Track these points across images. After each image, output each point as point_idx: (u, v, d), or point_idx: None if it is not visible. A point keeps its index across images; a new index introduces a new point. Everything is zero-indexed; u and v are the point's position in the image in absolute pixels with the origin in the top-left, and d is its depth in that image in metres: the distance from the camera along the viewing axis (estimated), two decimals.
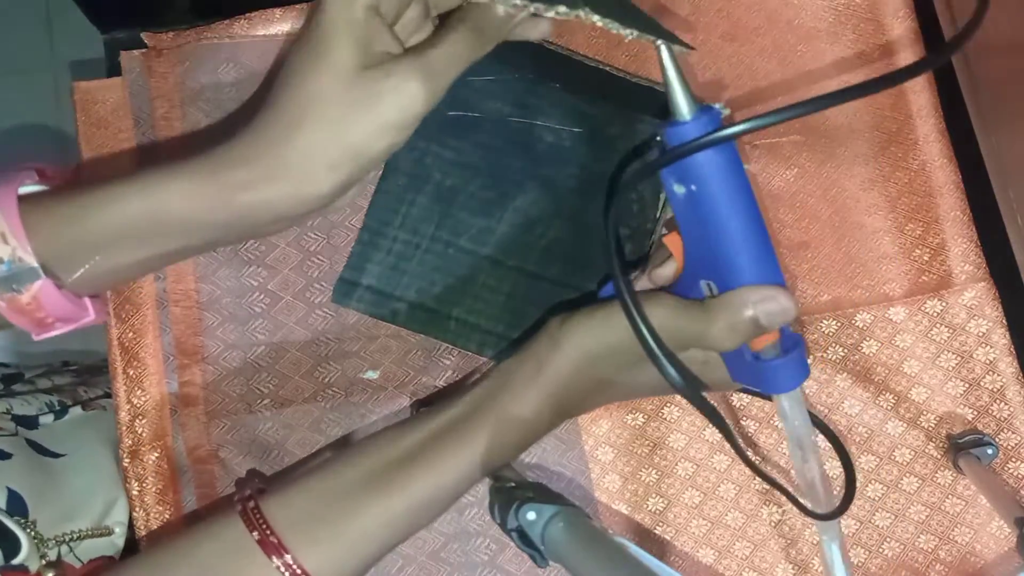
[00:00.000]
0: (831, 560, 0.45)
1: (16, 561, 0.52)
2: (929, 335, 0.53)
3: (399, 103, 0.40)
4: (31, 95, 1.39)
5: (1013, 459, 0.53)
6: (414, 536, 0.45)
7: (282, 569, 0.40)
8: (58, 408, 0.66)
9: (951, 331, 0.53)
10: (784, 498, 0.51)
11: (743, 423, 0.53)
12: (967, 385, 0.53)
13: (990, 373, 0.53)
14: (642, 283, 0.45)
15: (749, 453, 0.53)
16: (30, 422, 0.63)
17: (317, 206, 0.41)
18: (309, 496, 0.42)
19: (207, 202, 0.40)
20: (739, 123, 0.34)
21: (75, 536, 0.57)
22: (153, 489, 0.52)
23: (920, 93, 0.54)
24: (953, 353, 0.53)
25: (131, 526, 0.57)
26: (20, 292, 0.40)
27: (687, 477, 0.53)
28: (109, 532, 0.60)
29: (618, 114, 0.52)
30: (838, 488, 0.49)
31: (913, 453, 0.53)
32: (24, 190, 0.42)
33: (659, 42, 0.38)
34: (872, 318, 0.53)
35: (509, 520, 0.44)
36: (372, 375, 0.53)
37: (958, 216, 0.54)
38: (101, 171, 0.54)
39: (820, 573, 0.53)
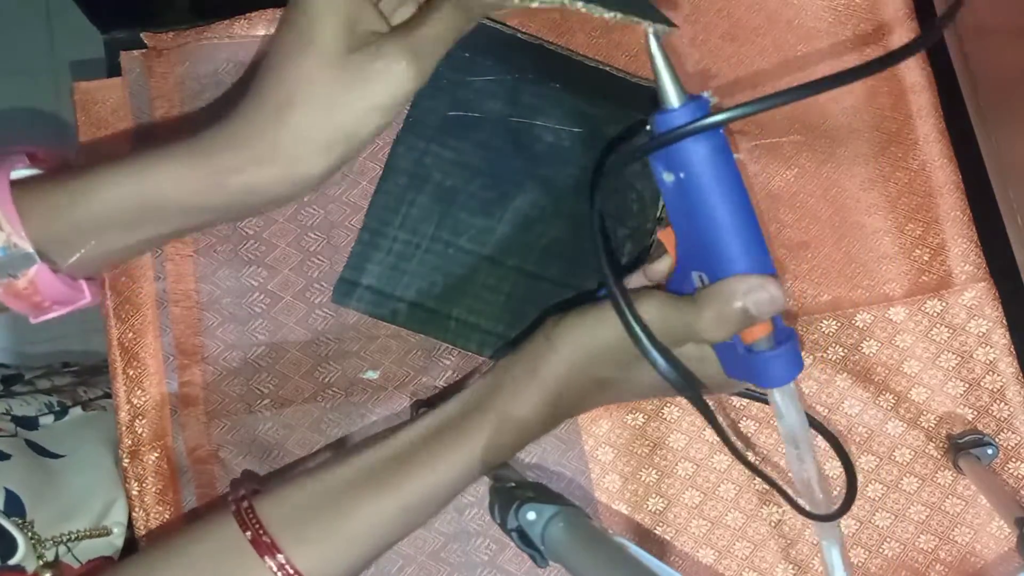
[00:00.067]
0: (831, 564, 0.45)
1: (13, 561, 0.52)
2: (929, 335, 0.53)
3: (388, 85, 0.40)
4: (31, 95, 1.39)
5: (1013, 459, 0.53)
6: (414, 536, 0.45)
7: (274, 569, 0.40)
8: (58, 409, 0.66)
9: (951, 331, 0.53)
10: (785, 498, 0.51)
11: (743, 423, 0.53)
12: (967, 385, 0.53)
13: (990, 373, 0.53)
14: (637, 280, 0.45)
15: (750, 455, 0.53)
16: (30, 423, 0.63)
17: (308, 187, 0.41)
18: (302, 496, 0.42)
19: (199, 186, 0.40)
20: (727, 110, 0.34)
21: (73, 536, 0.57)
22: (153, 489, 0.52)
23: (920, 93, 0.54)
24: (953, 353, 0.53)
25: (130, 526, 0.57)
26: (16, 277, 0.40)
27: (687, 477, 0.53)
28: (107, 532, 0.60)
29: (618, 114, 0.52)
30: (837, 489, 0.49)
31: (913, 453, 0.53)
32: (16, 175, 0.41)
33: (648, 29, 0.38)
34: (872, 318, 0.53)
35: (509, 520, 0.44)
36: (372, 375, 0.53)
37: (958, 216, 0.54)
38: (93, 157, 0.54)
39: (820, 573, 0.53)
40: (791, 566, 0.53)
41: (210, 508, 0.52)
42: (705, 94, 0.38)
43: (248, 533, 0.40)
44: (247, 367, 0.53)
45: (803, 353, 0.52)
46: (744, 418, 0.53)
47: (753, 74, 0.55)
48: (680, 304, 0.40)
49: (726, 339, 0.40)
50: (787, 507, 0.52)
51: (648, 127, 0.39)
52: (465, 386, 0.45)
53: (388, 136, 0.53)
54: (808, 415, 0.45)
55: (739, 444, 0.53)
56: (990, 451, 0.51)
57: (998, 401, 0.53)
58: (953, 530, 0.53)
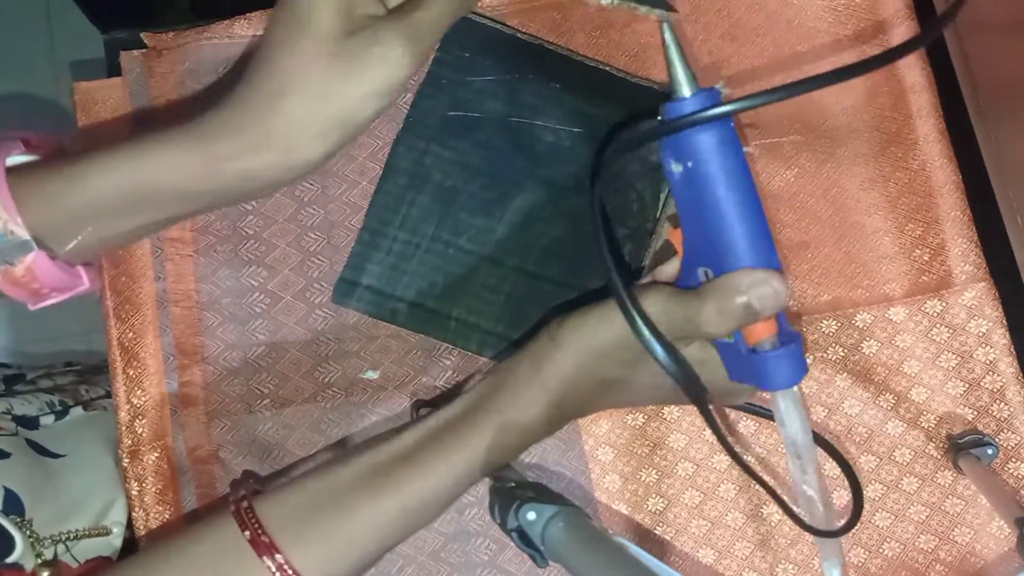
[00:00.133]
0: None
1: (11, 559, 0.52)
2: (929, 335, 0.53)
3: (385, 70, 0.40)
4: (31, 95, 1.39)
5: (1013, 459, 0.53)
6: (414, 536, 0.45)
7: (273, 569, 0.39)
8: (59, 408, 0.66)
9: (951, 331, 0.53)
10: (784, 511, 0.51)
11: (743, 423, 0.53)
12: (967, 385, 0.53)
13: (990, 373, 0.53)
14: (646, 282, 0.45)
15: (749, 459, 0.53)
16: (30, 422, 0.63)
17: (306, 172, 0.41)
18: (302, 496, 0.42)
19: (195, 172, 0.40)
20: (737, 100, 0.34)
21: (72, 536, 0.57)
22: (153, 489, 0.52)
23: (920, 93, 0.54)
24: (953, 353, 0.53)
25: (130, 526, 0.57)
26: (13, 265, 0.40)
27: (687, 477, 0.53)
28: (107, 532, 0.60)
29: (618, 114, 0.52)
30: (842, 503, 0.49)
31: (913, 453, 0.53)
32: (11, 161, 0.41)
33: (661, 19, 0.38)
34: (872, 318, 0.53)
35: (509, 520, 0.44)
36: (372, 375, 0.53)
37: (958, 216, 0.54)
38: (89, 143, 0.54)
39: (820, 573, 0.52)
40: (791, 566, 0.53)
41: (210, 508, 0.52)
42: (717, 85, 0.38)
43: (247, 533, 0.40)
44: (247, 367, 0.53)
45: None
46: (743, 418, 0.53)
47: (753, 74, 0.55)
48: (683, 297, 0.40)
49: (728, 335, 0.39)
50: None
51: (659, 116, 0.38)
52: (467, 387, 0.45)
53: (388, 136, 0.53)
54: (816, 433, 0.44)
55: (741, 450, 0.53)
56: (990, 451, 0.51)
57: (998, 401, 0.53)
58: (953, 530, 0.53)
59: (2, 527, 0.52)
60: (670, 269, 0.44)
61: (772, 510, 0.53)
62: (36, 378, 0.74)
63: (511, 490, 0.45)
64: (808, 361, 0.53)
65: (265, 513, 0.41)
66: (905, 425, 0.53)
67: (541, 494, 0.45)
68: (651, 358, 0.39)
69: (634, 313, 0.39)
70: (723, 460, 0.53)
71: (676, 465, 0.53)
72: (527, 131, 0.53)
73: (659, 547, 0.53)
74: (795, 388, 0.40)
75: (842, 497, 0.53)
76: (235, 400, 0.53)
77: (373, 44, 0.39)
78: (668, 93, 0.38)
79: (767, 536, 0.53)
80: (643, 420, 0.53)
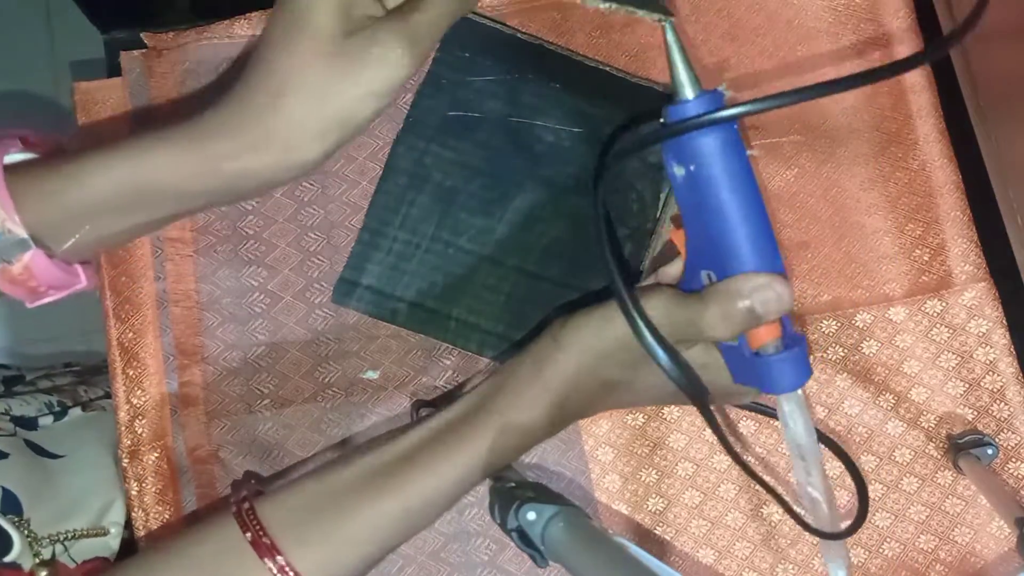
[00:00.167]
0: None
1: (8, 559, 0.52)
2: (929, 335, 0.53)
3: (385, 71, 0.39)
4: (31, 95, 1.39)
5: (1013, 459, 0.53)
6: (414, 536, 0.44)
7: (275, 571, 0.39)
8: (58, 409, 0.66)
9: (951, 331, 0.53)
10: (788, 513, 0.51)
11: (743, 423, 0.53)
12: (967, 385, 0.53)
13: (990, 373, 0.53)
14: (648, 283, 0.45)
15: (748, 458, 0.53)
16: (29, 423, 0.63)
17: (303, 172, 0.41)
18: (304, 497, 0.42)
19: (193, 171, 0.40)
20: (743, 104, 0.34)
21: (70, 535, 0.57)
22: (152, 489, 0.52)
23: (920, 93, 0.54)
24: (953, 353, 0.53)
25: (128, 527, 0.57)
26: (11, 263, 0.40)
27: (687, 477, 0.53)
28: (105, 532, 0.60)
29: (618, 114, 0.52)
30: (842, 502, 0.49)
31: (913, 453, 0.53)
32: (9, 159, 0.41)
33: (663, 21, 0.37)
34: (872, 318, 0.53)
35: (509, 520, 0.44)
36: (372, 375, 0.53)
37: (958, 216, 0.54)
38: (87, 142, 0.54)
39: (820, 573, 0.53)
40: (791, 566, 0.53)
41: (211, 509, 0.52)
42: (720, 87, 0.38)
43: (248, 535, 0.40)
44: (247, 367, 0.53)
45: None
46: (744, 418, 0.53)
47: (753, 74, 0.55)
48: (686, 301, 0.39)
49: (731, 339, 0.39)
50: None
51: (662, 119, 0.38)
52: (468, 388, 0.45)
53: (388, 136, 0.53)
54: (819, 431, 0.44)
55: (742, 451, 0.53)
56: (990, 451, 0.51)
57: (998, 401, 0.53)
58: (953, 530, 0.53)
59: (0, 527, 0.52)
60: (672, 270, 0.44)
61: (772, 510, 0.53)
62: (35, 379, 0.74)
63: (511, 490, 0.45)
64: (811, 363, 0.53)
65: (266, 514, 0.41)
66: (905, 425, 0.53)
67: (541, 494, 0.45)
68: (651, 361, 0.39)
69: (636, 317, 0.39)
70: (723, 460, 0.53)
71: (676, 465, 0.53)
72: (527, 131, 0.53)
73: (659, 547, 0.53)
74: (799, 391, 0.40)
75: (842, 497, 0.53)
76: (235, 400, 0.52)
77: (372, 45, 0.39)
78: (670, 95, 0.38)
79: (767, 536, 0.53)
80: (643, 420, 0.53)
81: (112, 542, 0.60)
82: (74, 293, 0.44)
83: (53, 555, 0.56)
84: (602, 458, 0.53)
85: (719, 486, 0.53)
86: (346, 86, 0.39)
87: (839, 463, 0.51)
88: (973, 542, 0.53)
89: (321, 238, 0.54)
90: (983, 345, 0.53)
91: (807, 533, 0.52)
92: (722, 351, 0.41)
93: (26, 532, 0.54)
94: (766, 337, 0.39)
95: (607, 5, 0.38)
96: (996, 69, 0.56)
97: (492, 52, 0.53)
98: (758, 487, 0.53)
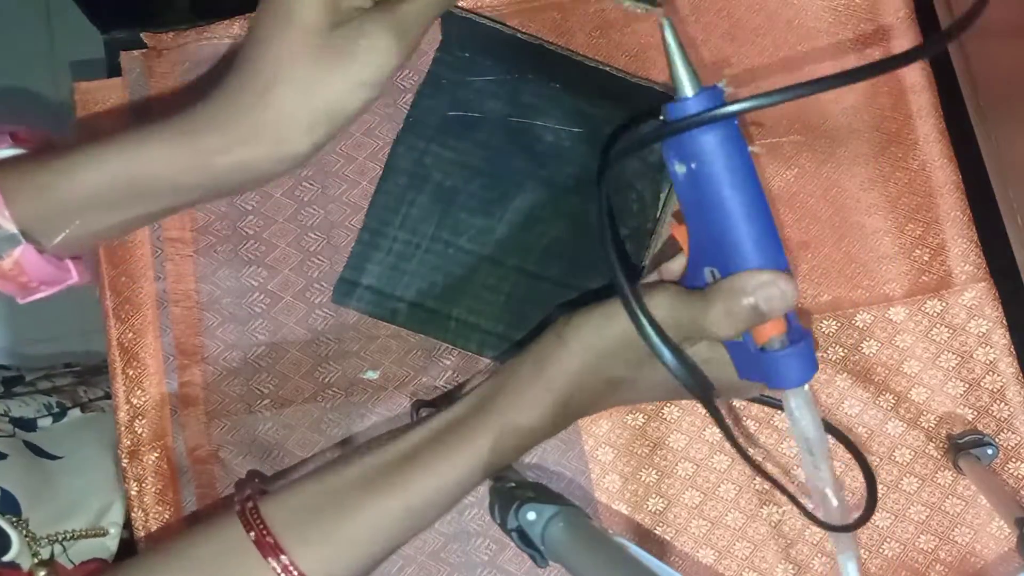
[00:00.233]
0: None
1: (6, 559, 0.52)
2: (929, 335, 0.53)
3: (373, 62, 0.39)
4: (31, 95, 1.39)
5: (1013, 459, 0.53)
6: (416, 536, 0.44)
7: (278, 570, 0.39)
8: (57, 410, 0.66)
9: (951, 331, 0.53)
10: (784, 498, 0.51)
11: (742, 423, 0.53)
12: (967, 385, 0.53)
13: (990, 373, 0.53)
14: (652, 280, 0.45)
15: (752, 453, 0.53)
16: (28, 424, 0.63)
17: (295, 164, 0.41)
18: (306, 497, 0.42)
19: (184, 165, 0.40)
20: (742, 100, 0.34)
21: (69, 536, 0.57)
22: (152, 489, 0.52)
23: (920, 93, 0.54)
24: (953, 353, 0.53)
25: (127, 528, 0.57)
26: (1, 258, 0.40)
27: (687, 477, 0.53)
28: (104, 533, 0.60)
29: (618, 114, 0.52)
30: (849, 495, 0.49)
31: (913, 453, 0.53)
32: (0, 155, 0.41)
33: (661, 19, 0.37)
34: (872, 318, 0.53)
35: (509, 520, 0.44)
36: (372, 375, 0.53)
37: (958, 216, 0.54)
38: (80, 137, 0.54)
39: (820, 573, 0.53)
40: (791, 566, 0.53)
41: (213, 508, 0.52)
42: (719, 84, 0.38)
43: (252, 534, 0.40)
44: (247, 367, 0.53)
45: None
46: (744, 417, 0.53)
47: (753, 75, 0.55)
48: (690, 298, 0.39)
49: (736, 336, 0.39)
50: (788, 507, 0.52)
51: (661, 116, 0.38)
52: (469, 387, 0.45)
53: (388, 136, 0.53)
54: (826, 422, 0.43)
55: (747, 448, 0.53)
56: (990, 451, 0.51)
57: (998, 401, 0.53)
58: (953, 530, 0.53)
59: None
60: (674, 266, 0.44)
61: (772, 510, 0.53)
62: (35, 380, 0.74)
63: (511, 490, 0.45)
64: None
65: (270, 514, 0.41)
66: (905, 425, 0.53)
67: (541, 494, 0.45)
68: (655, 358, 0.39)
69: (639, 314, 0.38)
70: (723, 460, 0.53)
71: (676, 465, 0.53)
72: (527, 131, 0.53)
73: (659, 547, 0.53)
74: (806, 386, 0.40)
75: (848, 488, 0.53)
76: (235, 400, 0.52)
77: (359, 36, 0.39)
78: (672, 92, 0.38)
79: (767, 536, 0.53)
80: (643, 420, 0.53)
81: (110, 543, 0.61)
82: (66, 289, 0.44)
83: (52, 555, 0.56)
84: (602, 458, 0.53)
85: (719, 486, 0.53)
86: (334, 78, 0.39)
87: (846, 455, 0.51)
88: (973, 542, 0.53)
89: (321, 238, 0.54)
90: (983, 345, 0.53)
91: (806, 533, 0.52)
92: (727, 347, 0.41)
93: (24, 532, 0.54)
94: (771, 333, 0.39)
95: None
96: (996, 69, 0.56)
97: (492, 52, 0.53)
98: (759, 487, 0.53)
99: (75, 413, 0.67)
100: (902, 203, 0.54)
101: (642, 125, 0.51)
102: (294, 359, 0.53)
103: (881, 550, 0.53)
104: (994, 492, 0.50)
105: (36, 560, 0.54)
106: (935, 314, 0.53)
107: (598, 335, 0.41)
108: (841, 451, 0.52)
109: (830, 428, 0.51)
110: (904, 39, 0.54)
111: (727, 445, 0.53)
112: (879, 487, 0.53)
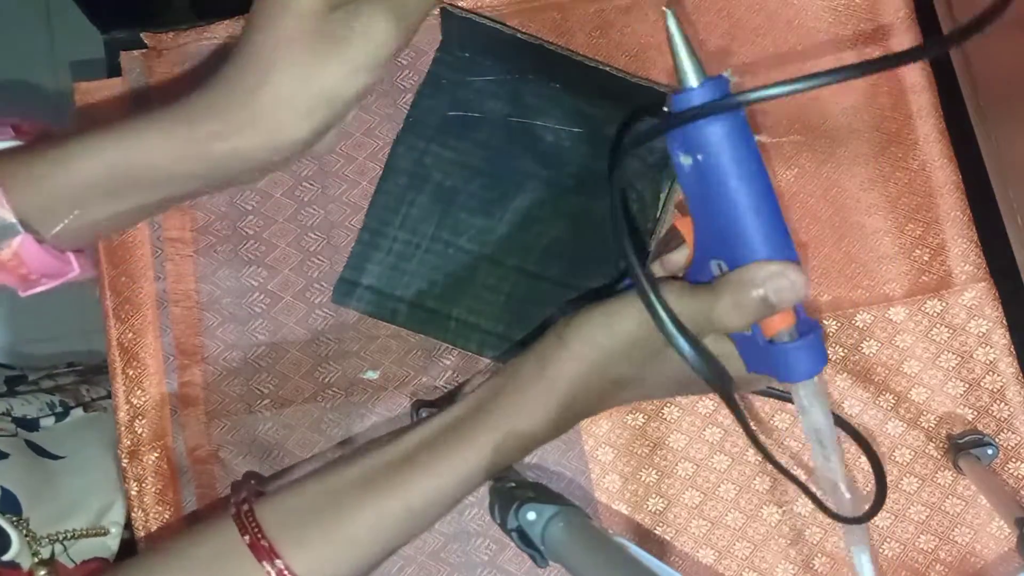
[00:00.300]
0: (861, 572, 0.43)
1: (6, 558, 0.52)
2: (929, 335, 0.53)
3: (369, 45, 0.39)
4: (31, 95, 1.39)
5: (1013, 459, 0.53)
6: (415, 538, 0.44)
7: (273, 574, 0.39)
8: (59, 410, 0.66)
9: (951, 331, 0.53)
10: (784, 498, 0.51)
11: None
12: (967, 385, 0.53)
13: (990, 373, 0.53)
14: (654, 272, 0.44)
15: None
16: (30, 424, 0.63)
17: (295, 152, 0.41)
18: (303, 499, 0.42)
19: (182, 153, 0.40)
20: (750, 90, 0.33)
21: (69, 535, 0.57)
22: (152, 489, 0.52)
23: (920, 93, 0.54)
24: (953, 353, 0.53)
25: (127, 528, 0.57)
26: (0, 248, 0.40)
27: (687, 477, 0.53)
28: (104, 532, 0.60)
29: (618, 114, 0.52)
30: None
31: (913, 453, 0.53)
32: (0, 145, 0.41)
33: (664, 8, 0.37)
34: (872, 318, 0.53)
35: (509, 520, 0.44)
36: (372, 375, 0.53)
37: (958, 216, 0.54)
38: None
39: (820, 573, 0.53)
40: (791, 566, 0.53)
41: (211, 510, 0.52)
42: (725, 73, 0.37)
43: (247, 537, 0.40)
44: (247, 367, 0.53)
45: None
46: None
47: (753, 75, 0.55)
48: (698, 292, 0.39)
49: (745, 328, 0.39)
50: (787, 507, 0.53)
51: (665, 108, 0.37)
52: (470, 387, 0.44)
53: (388, 136, 0.53)
54: (834, 414, 0.43)
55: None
56: (990, 451, 0.51)
57: (998, 401, 0.53)
58: (953, 530, 0.53)
59: None
60: (678, 258, 0.43)
61: (772, 510, 0.53)
62: (38, 379, 0.74)
63: (511, 490, 0.45)
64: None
65: (266, 516, 0.41)
66: (905, 425, 0.53)
67: (541, 494, 0.45)
68: (665, 354, 0.39)
69: (658, 306, 0.38)
70: (723, 460, 0.53)
71: (676, 465, 0.53)
72: (527, 131, 0.53)
73: (659, 547, 0.53)
74: (815, 378, 0.39)
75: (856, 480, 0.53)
76: (235, 400, 0.53)
77: (355, 20, 0.39)
78: (678, 82, 0.37)
79: (767, 536, 0.53)
80: (643, 420, 0.53)
81: (111, 542, 0.60)
82: (67, 283, 0.44)
83: (52, 555, 0.56)
84: (602, 458, 0.53)
85: (719, 486, 0.53)
86: (331, 63, 0.39)
87: (860, 446, 0.51)
88: (973, 542, 0.53)
89: (321, 238, 0.54)
90: (983, 345, 0.53)
91: (807, 533, 0.52)
92: (735, 340, 0.41)
93: (24, 531, 0.54)
94: (780, 325, 0.38)
95: None
96: (996, 69, 0.56)
97: (492, 52, 0.53)
98: (759, 487, 0.53)
99: (77, 412, 0.67)
100: (902, 203, 0.54)
101: (645, 119, 0.51)
102: (294, 359, 0.53)
103: (881, 550, 0.53)
104: (994, 492, 0.50)
105: (36, 559, 0.54)
106: (935, 314, 0.53)
107: (604, 335, 0.41)
108: (847, 444, 0.52)
109: (836, 419, 0.50)
110: (904, 39, 0.54)
111: (727, 445, 0.53)
112: None
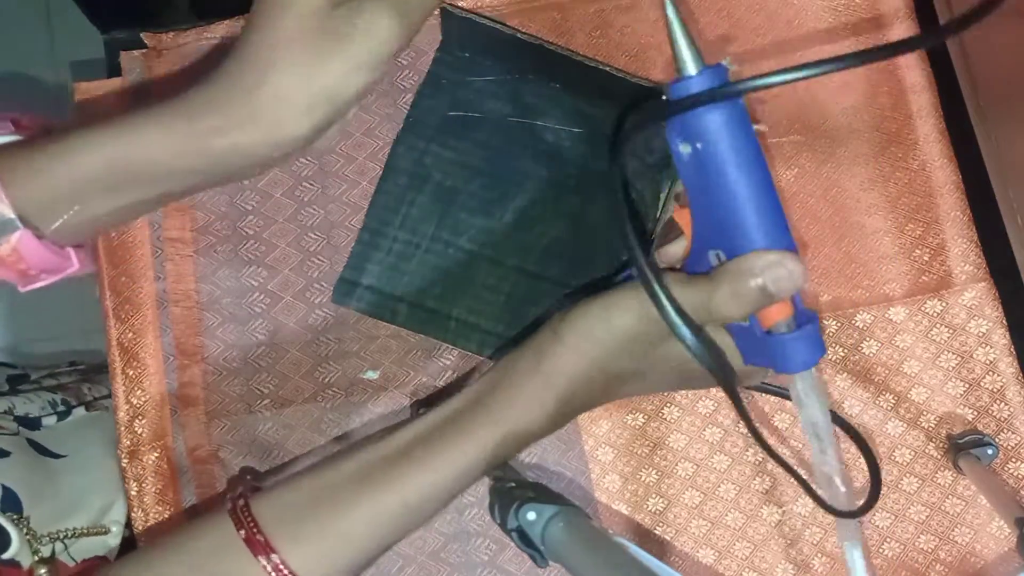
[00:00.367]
0: (852, 567, 0.43)
1: (7, 556, 0.52)
2: (929, 335, 0.53)
3: (372, 42, 0.39)
4: (31, 95, 1.39)
5: (1013, 459, 0.53)
6: (413, 536, 0.44)
7: (268, 569, 0.39)
8: (61, 408, 0.66)
9: (951, 331, 0.53)
10: (784, 498, 0.51)
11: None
12: (967, 385, 0.53)
13: (990, 373, 0.53)
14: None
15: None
16: (32, 423, 0.63)
17: (294, 149, 0.40)
18: (299, 494, 0.42)
19: (182, 148, 0.40)
20: (747, 79, 0.33)
21: (70, 534, 0.57)
22: (152, 489, 0.52)
23: (920, 93, 0.54)
24: (953, 353, 0.53)
25: (128, 526, 0.57)
26: None
27: (687, 477, 0.53)
28: (105, 531, 0.60)
29: (618, 114, 0.52)
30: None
31: (913, 453, 0.53)
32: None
33: None
34: (872, 318, 0.53)
35: (509, 520, 0.44)
36: (372, 375, 0.53)
37: (958, 216, 0.54)
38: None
39: (820, 573, 0.53)
40: (791, 566, 0.53)
41: (209, 506, 0.52)
42: (724, 61, 0.37)
43: (242, 532, 0.40)
44: (247, 367, 0.53)
45: None
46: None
47: (752, 65, 0.55)
48: (695, 281, 0.39)
49: (743, 318, 0.39)
50: (787, 507, 0.53)
51: (664, 97, 0.37)
52: (467, 384, 0.44)
53: (388, 136, 0.53)
54: (831, 411, 0.43)
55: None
56: (990, 451, 0.51)
57: (998, 401, 0.53)
58: (953, 530, 0.53)
59: None
60: (676, 249, 0.43)
61: (772, 510, 0.53)
62: (40, 378, 0.74)
63: (511, 490, 0.45)
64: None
65: (261, 511, 0.41)
66: (905, 425, 0.53)
67: (541, 494, 0.45)
68: (666, 347, 0.38)
69: (662, 296, 0.37)
70: (723, 460, 0.53)
71: (676, 465, 0.53)
72: (527, 131, 0.53)
73: (659, 547, 0.53)
74: (812, 370, 0.39)
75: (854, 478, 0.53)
76: (235, 400, 0.53)
77: (358, 16, 0.38)
78: (676, 71, 0.37)
79: (767, 536, 0.53)
80: (643, 420, 0.53)
81: (112, 541, 0.61)
82: (67, 279, 0.44)
83: (53, 553, 0.56)
84: (602, 458, 0.53)
85: (719, 486, 0.53)
86: (332, 59, 0.38)
87: (856, 443, 0.51)
88: (973, 542, 0.53)
89: (321, 238, 0.54)
90: (983, 345, 0.53)
91: (807, 533, 0.52)
92: (732, 332, 0.40)
93: (25, 530, 0.54)
94: (778, 316, 0.38)
95: None
96: (996, 69, 0.56)
97: (492, 52, 0.53)
98: (759, 487, 0.53)
99: (80, 412, 0.67)
100: (902, 203, 0.54)
101: (642, 107, 0.50)
102: (294, 359, 0.53)
103: (881, 550, 0.53)
104: (994, 492, 0.50)
105: (37, 558, 0.54)
106: (935, 314, 0.53)
107: (601, 329, 0.41)
108: (848, 444, 0.52)
109: (833, 416, 0.50)
110: (903, 37, 0.54)
111: (727, 445, 0.53)
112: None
